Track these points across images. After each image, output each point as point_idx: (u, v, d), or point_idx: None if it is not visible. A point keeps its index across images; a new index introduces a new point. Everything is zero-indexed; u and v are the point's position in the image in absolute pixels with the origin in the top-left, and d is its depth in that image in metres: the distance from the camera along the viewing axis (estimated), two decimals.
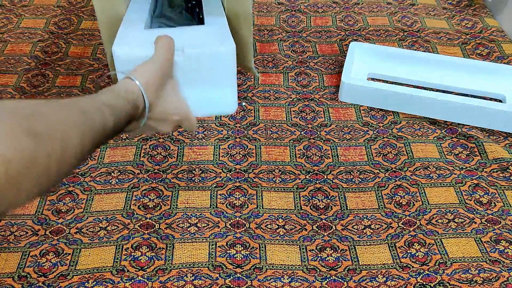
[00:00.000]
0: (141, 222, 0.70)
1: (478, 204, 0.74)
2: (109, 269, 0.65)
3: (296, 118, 0.87)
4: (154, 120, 0.47)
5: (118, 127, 0.39)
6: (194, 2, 0.75)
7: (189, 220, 0.71)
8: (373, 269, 0.66)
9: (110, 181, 0.76)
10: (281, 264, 0.66)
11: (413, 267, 0.66)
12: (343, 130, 0.85)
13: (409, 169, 0.79)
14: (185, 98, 0.52)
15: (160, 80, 0.46)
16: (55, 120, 0.30)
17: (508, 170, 0.78)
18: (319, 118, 0.87)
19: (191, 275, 0.64)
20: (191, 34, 0.55)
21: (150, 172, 0.77)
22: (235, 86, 0.56)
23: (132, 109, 0.41)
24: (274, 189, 0.75)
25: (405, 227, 0.71)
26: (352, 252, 0.68)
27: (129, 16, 0.60)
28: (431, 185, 0.77)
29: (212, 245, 0.68)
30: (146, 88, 0.43)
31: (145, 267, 0.65)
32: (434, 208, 0.73)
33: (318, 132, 0.85)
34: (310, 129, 0.85)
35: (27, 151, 0.25)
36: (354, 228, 0.71)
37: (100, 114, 0.36)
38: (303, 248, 0.68)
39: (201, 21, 0.65)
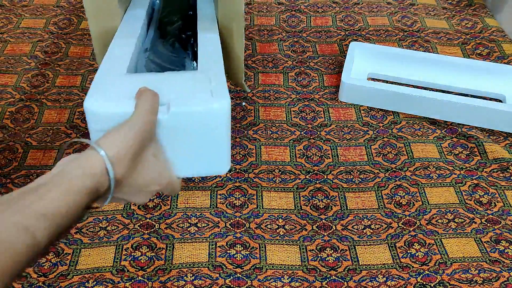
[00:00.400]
0: (141, 222, 0.70)
1: (478, 204, 0.74)
2: (109, 269, 0.65)
3: (296, 118, 0.87)
4: (125, 193, 0.40)
5: (73, 220, 0.33)
6: (189, 32, 0.68)
7: (189, 220, 0.71)
8: (373, 269, 0.66)
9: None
10: (281, 264, 0.66)
11: (413, 267, 0.66)
12: (343, 130, 0.85)
13: (409, 169, 0.79)
14: (168, 160, 0.45)
15: (137, 149, 0.38)
16: None
17: (508, 170, 0.78)
18: (319, 118, 0.87)
19: (191, 275, 0.64)
20: (180, 84, 0.47)
21: None
22: (228, 145, 0.49)
23: (94, 189, 0.34)
24: (274, 189, 0.75)
25: (405, 227, 0.71)
26: (352, 252, 0.68)
27: (111, 53, 0.53)
28: (431, 185, 0.77)
29: (212, 245, 0.68)
30: (116, 161, 0.36)
31: (145, 267, 0.65)
32: (434, 208, 0.73)
33: (318, 132, 0.85)
34: (310, 129, 0.85)
35: None
36: (354, 228, 0.71)
37: (52, 208, 0.31)
38: (303, 248, 0.68)
39: (195, 55, 0.59)
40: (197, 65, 0.52)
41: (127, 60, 0.51)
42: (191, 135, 0.45)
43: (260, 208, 0.73)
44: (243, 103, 0.89)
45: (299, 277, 0.65)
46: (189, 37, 0.67)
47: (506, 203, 0.74)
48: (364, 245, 0.69)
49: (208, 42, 0.56)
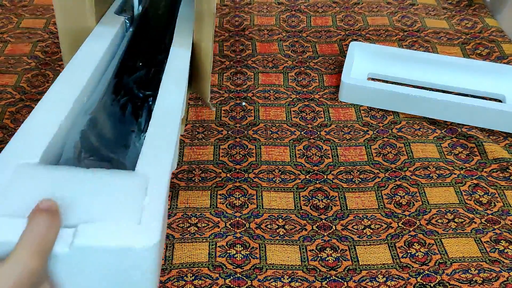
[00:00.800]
0: None
1: (478, 204, 0.74)
2: None
3: (296, 118, 0.87)
4: None
5: None
6: (149, 93, 0.52)
7: (189, 220, 0.71)
8: (373, 269, 0.66)
9: None
10: (281, 264, 0.66)
11: (413, 267, 0.66)
12: (343, 130, 0.85)
13: (409, 169, 0.79)
14: None
15: None
16: None
17: (508, 170, 0.78)
18: (319, 118, 0.87)
19: (191, 275, 0.65)
20: (103, 194, 0.33)
21: None
22: (155, 280, 0.34)
23: None
24: (274, 189, 0.76)
25: (405, 227, 0.71)
26: (352, 252, 0.68)
27: (31, 122, 0.38)
28: (431, 185, 0.77)
29: (212, 245, 0.68)
30: None
31: None
32: (434, 208, 0.73)
33: (318, 132, 0.85)
34: (310, 129, 0.85)
35: None
36: (354, 228, 0.71)
37: None
38: (303, 248, 0.68)
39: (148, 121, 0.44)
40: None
41: (47, 138, 0.37)
42: (102, 275, 0.32)
43: (260, 208, 0.73)
44: (243, 103, 0.89)
45: (299, 277, 0.65)
46: (147, 97, 0.53)
47: (506, 203, 0.74)
48: (364, 245, 0.69)
49: (165, 118, 0.43)
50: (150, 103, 0.51)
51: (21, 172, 0.33)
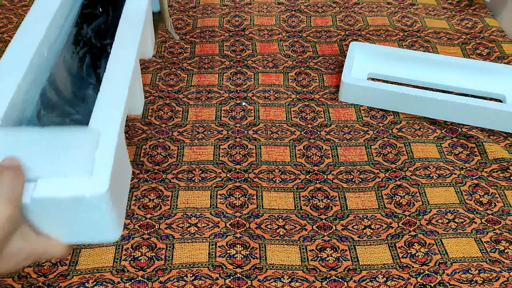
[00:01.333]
0: (141, 222, 0.70)
1: (478, 204, 0.74)
2: (109, 269, 0.65)
3: (296, 118, 0.87)
4: None
5: None
6: (107, 42, 0.54)
7: (189, 220, 0.71)
8: (373, 269, 0.66)
9: None
10: (281, 264, 0.66)
11: (413, 267, 0.66)
12: (343, 130, 0.85)
13: (409, 169, 0.79)
14: (40, 233, 0.38)
15: (4, 233, 0.33)
16: None
17: (508, 170, 0.78)
18: (319, 118, 0.87)
19: (191, 275, 0.64)
20: (58, 149, 0.37)
21: (150, 172, 0.77)
22: (112, 219, 0.39)
23: None
24: (274, 189, 0.75)
25: (405, 227, 0.71)
26: (352, 252, 0.68)
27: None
28: (431, 185, 0.77)
29: (212, 245, 0.68)
30: None
31: (145, 267, 0.65)
32: (434, 208, 0.73)
33: (318, 132, 0.85)
34: (310, 129, 0.85)
35: None
36: (354, 228, 0.71)
37: None
38: (303, 248, 0.68)
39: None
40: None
41: (8, 96, 0.40)
42: (62, 216, 0.37)
43: (260, 208, 0.73)
44: (243, 103, 0.89)
45: (299, 277, 0.65)
46: (106, 46, 0.54)
47: (506, 203, 0.74)
48: (364, 245, 0.69)
49: (117, 68, 0.45)
50: (109, 51, 0.49)
51: None
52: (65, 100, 0.49)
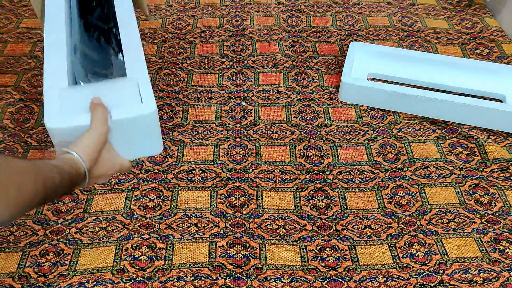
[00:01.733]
0: (141, 222, 0.70)
1: (478, 204, 0.74)
2: (109, 269, 0.65)
3: (296, 118, 0.87)
4: (93, 179, 0.52)
5: (64, 186, 0.45)
6: (111, 25, 0.74)
7: (189, 220, 0.71)
8: (373, 269, 0.66)
9: (110, 181, 0.76)
10: (281, 264, 0.66)
11: (413, 267, 0.66)
12: (343, 130, 0.85)
13: (409, 169, 0.79)
14: (116, 152, 0.55)
15: (97, 151, 0.51)
16: (13, 168, 0.40)
17: (508, 170, 0.78)
18: (319, 118, 0.87)
19: (191, 275, 0.64)
20: (116, 92, 0.56)
21: (150, 172, 0.77)
22: (158, 134, 0.58)
23: (75, 176, 0.47)
24: (274, 189, 0.75)
25: (405, 227, 0.71)
26: (352, 252, 0.68)
27: (49, 65, 0.58)
28: (431, 185, 0.77)
29: (212, 245, 0.68)
30: (86, 159, 0.49)
31: (145, 267, 0.65)
32: (434, 208, 0.73)
33: (318, 132, 0.85)
34: (310, 129, 0.85)
35: None
36: (354, 228, 0.71)
37: (49, 169, 0.44)
38: (303, 248, 0.68)
39: (118, 43, 0.65)
40: (123, 58, 0.60)
41: (65, 71, 0.58)
42: (129, 133, 0.55)
43: (260, 208, 0.73)
44: (243, 103, 0.89)
45: (299, 277, 0.65)
46: (111, 28, 0.74)
47: (506, 203, 0.74)
48: (364, 245, 0.69)
49: (130, 40, 0.63)
50: (114, 31, 0.72)
51: (65, 93, 0.55)
52: (99, 66, 0.71)
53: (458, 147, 0.82)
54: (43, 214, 0.71)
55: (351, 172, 0.78)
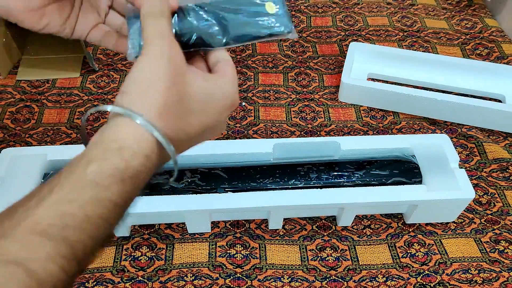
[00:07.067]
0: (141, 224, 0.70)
1: (477, 204, 0.74)
2: (109, 269, 0.65)
3: (296, 118, 0.87)
4: (188, 144, 0.29)
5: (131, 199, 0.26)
6: None
7: None
8: (373, 269, 0.66)
9: None
10: (281, 264, 0.66)
11: (413, 267, 0.66)
12: (343, 130, 0.85)
13: None
14: (216, 75, 0.32)
15: (174, 90, 0.26)
16: None
17: (508, 170, 0.78)
18: (319, 118, 0.87)
19: (191, 275, 0.65)
20: None
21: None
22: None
23: (150, 170, 0.26)
24: None
25: (405, 227, 0.71)
26: (352, 252, 0.68)
27: None
28: None
29: (212, 245, 0.68)
30: (160, 123, 0.25)
31: (145, 267, 0.65)
32: None
33: (318, 132, 0.85)
34: (310, 129, 0.85)
35: None
36: (354, 228, 0.71)
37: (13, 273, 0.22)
38: (303, 248, 0.68)
39: None
40: None
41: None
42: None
43: None
44: (243, 103, 0.89)
45: (299, 277, 0.65)
46: None
47: (506, 203, 0.74)
48: (364, 245, 0.69)
49: None
50: None
51: None
52: None
53: (458, 147, 0.82)
54: None
55: None
